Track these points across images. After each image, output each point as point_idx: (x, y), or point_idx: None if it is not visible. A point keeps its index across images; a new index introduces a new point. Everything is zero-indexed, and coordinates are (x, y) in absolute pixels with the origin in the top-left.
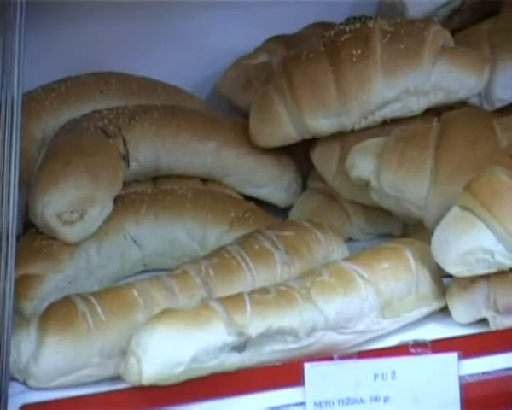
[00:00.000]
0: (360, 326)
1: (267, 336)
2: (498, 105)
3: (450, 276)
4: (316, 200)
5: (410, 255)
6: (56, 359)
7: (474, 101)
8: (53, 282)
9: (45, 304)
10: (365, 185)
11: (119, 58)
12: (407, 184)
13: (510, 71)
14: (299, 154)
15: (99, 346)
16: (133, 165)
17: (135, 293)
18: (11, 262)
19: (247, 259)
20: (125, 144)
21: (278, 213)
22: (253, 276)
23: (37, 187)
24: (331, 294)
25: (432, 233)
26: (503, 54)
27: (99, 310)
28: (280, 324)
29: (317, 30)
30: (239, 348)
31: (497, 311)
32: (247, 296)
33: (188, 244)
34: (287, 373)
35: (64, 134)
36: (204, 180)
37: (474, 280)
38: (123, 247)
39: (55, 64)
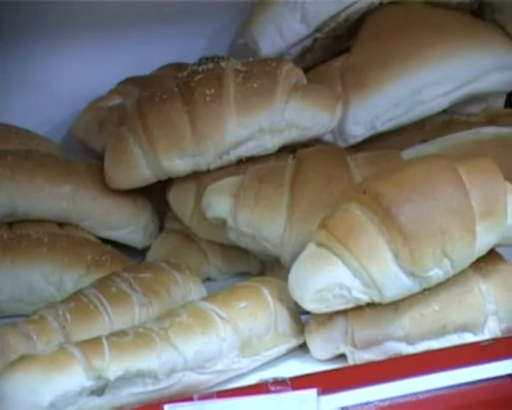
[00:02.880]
0: (219, 366)
1: (126, 378)
2: (352, 141)
3: (308, 312)
4: (173, 241)
5: (267, 294)
6: None
7: (328, 138)
8: None
9: None
10: (222, 225)
11: None
12: (263, 223)
13: (362, 108)
14: (156, 195)
15: None
16: None
17: None
18: None
19: (105, 302)
20: None
21: (136, 254)
22: (110, 319)
23: None
24: (189, 334)
25: (289, 271)
26: (355, 91)
27: None
28: (138, 366)
29: (170, 71)
30: (98, 392)
31: (355, 346)
32: (104, 340)
33: (45, 289)
34: None
35: None
36: (61, 224)
37: (331, 316)
38: None
39: None
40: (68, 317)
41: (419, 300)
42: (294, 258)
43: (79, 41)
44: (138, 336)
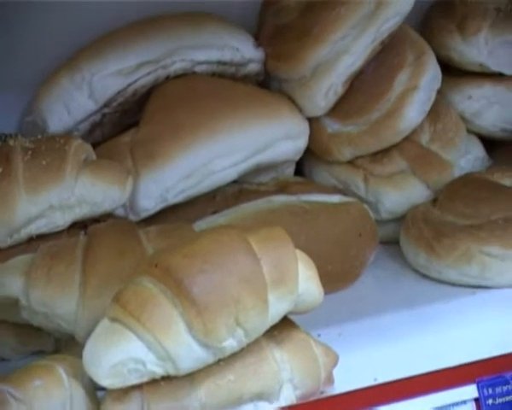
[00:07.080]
0: None
1: None
2: (144, 215)
3: (104, 388)
4: None
5: (62, 371)
6: None
7: (120, 212)
8: None
9: None
10: (15, 304)
11: None
12: (56, 300)
13: (152, 181)
14: None
15: None
16: None
17: None
18: None
19: None
20: None
21: None
22: None
23: None
24: None
25: (84, 347)
26: (144, 164)
27: None
28: None
29: None
30: None
31: None
32: None
33: None
34: None
35: None
36: None
37: (127, 391)
38: None
39: None
40: None
41: (214, 370)
42: (89, 334)
43: None
44: None
